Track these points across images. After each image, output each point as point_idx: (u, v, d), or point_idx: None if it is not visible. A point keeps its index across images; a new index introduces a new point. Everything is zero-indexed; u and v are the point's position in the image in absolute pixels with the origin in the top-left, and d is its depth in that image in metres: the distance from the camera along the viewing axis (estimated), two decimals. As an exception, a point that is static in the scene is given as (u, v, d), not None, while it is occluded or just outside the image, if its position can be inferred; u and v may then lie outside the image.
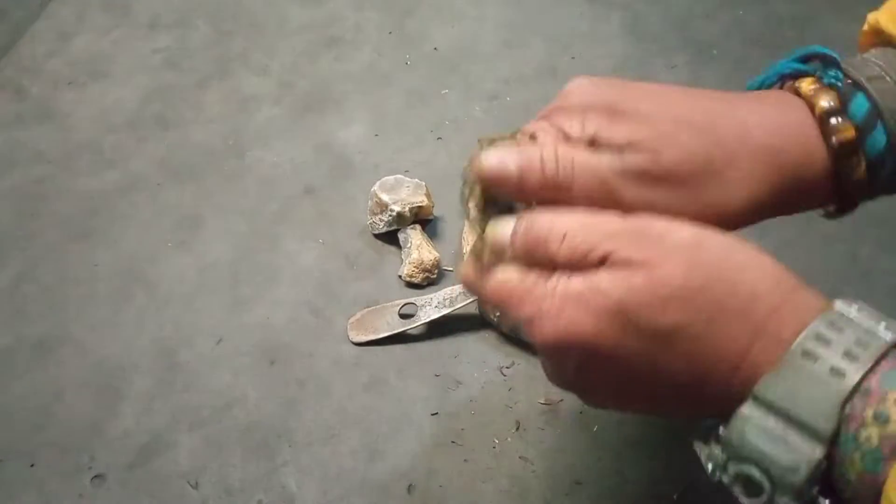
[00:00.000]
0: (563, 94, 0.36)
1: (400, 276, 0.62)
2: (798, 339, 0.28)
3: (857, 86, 0.35)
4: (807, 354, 0.28)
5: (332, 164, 0.72)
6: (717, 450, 0.29)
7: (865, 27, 0.39)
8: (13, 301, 0.62)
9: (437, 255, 0.61)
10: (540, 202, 0.34)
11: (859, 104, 0.34)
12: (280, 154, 0.73)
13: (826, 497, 0.28)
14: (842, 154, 0.34)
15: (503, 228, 0.34)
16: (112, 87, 0.81)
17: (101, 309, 0.62)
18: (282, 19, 0.88)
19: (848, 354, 0.27)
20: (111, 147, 0.75)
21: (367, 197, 0.65)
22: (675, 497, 0.50)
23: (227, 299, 0.62)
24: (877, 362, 0.27)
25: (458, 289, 0.58)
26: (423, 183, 0.65)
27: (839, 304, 0.29)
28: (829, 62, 0.36)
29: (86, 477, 0.52)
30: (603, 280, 0.30)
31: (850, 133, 0.34)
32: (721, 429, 0.29)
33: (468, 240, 0.62)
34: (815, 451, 0.27)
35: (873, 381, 0.27)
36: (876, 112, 0.34)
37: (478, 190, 0.36)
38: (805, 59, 0.37)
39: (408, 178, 0.65)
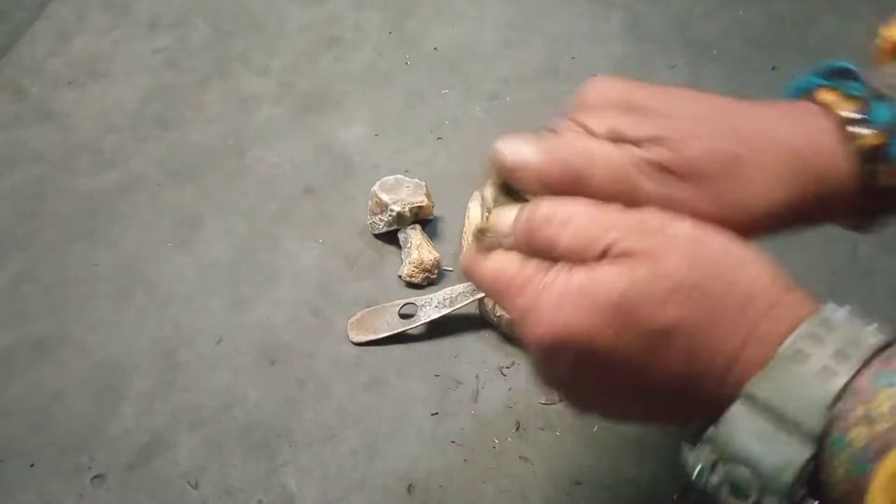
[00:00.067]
0: (581, 94, 0.36)
1: (400, 276, 0.62)
2: (790, 339, 0.28)
3: (879, 94, 0.34)
4: (797, 354, 0.28)
5: (332, 164, 0.72)
6: (706, 451, 0.29)
7: (882, 43, 0.38)
8: (13, 301, 0.62)
9: (437, 255, 0.61)
10: (556, 194, 0.33)
11: (881, 112, 0.34)
12: (280, 154, 0.73)
13: (814, 498, 0.28)
14: (865, 161, 0.34)
15: (507, 213, 0.34)
16: (112, 87, 0.81)
17: (101, 309, 0.62)
18: (282, 19, 0.88)
19: (838, 354, 0.27)
20: (111, 147, 0.75)
21: (367, 197, 0.65)
22: (675, 497, 0.50)
23: (227, 299, 0.62)
24: (866, 362, 0.27)
25: (458, 289, 0.58)
26: (423, 183, 0.65)
27: (830, 306, 0.29)
28: (849, 76, 0.36)
29: (86, 477, 0.52)
30: (606, 272, 0.30)
31: (872, 140, 0.34)
32: (710, 429, 0.29)
33: (468, 239, 0.62)
34: (804, 452, 0.27)
35: (863, 381, 0.27)
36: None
37: (495, 179, 0.36)
38: (825, 75, 0.37)
39: (408, 178, 0.65)
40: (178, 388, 0.56)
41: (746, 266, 0.30)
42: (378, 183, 0.64)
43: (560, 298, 0.30)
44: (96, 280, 0.64)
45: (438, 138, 0.74)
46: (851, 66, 0.36)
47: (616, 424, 0.52)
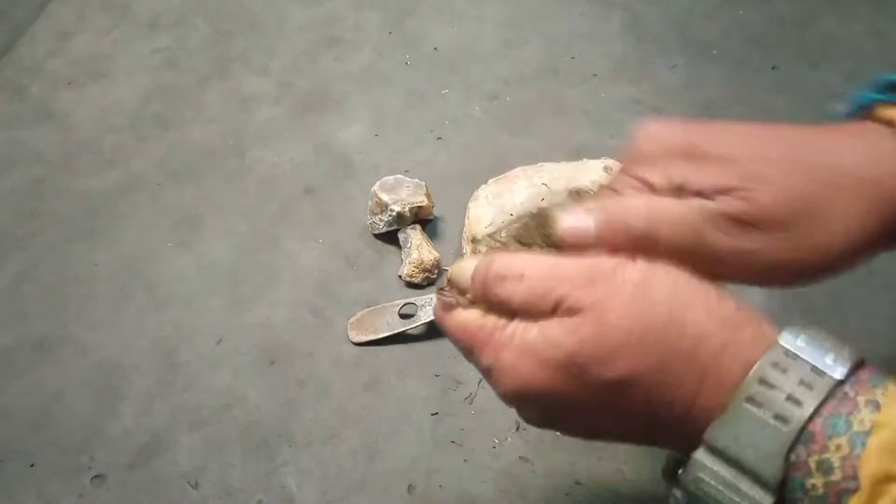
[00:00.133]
0: (635, 142, 0.35)
1: (400, 276, 0.62)
2: (742, 384, 0.28)
3: None
4: (750, 400, 0.27)
5: (332, 164, 0.72)
6: (677, 493, 0.30)
7: None
8: (13, 301, 0.62)
9: (437, 255, 0.61)
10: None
11: None
12: (280, 154, 0.73)
13: None
14: None
15: (466, 268, 0.34)
16: (112, 87, 0.81)
17: (101, 309, 0.62)
18: (282, 19, 0.88)
19: (791, 398, 0.27)
20: (111, 147, 0.75)
21: (367, 197, 0.65)
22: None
23: (227, 299, 0.62)
24: (822, 403, 0.27)
25: (458, 289, 0.58)
26: (423, 183, 0.65)
27: (785, 338, 0.28)
28: None
29: (86, 477, 0.52)
30: (554, 330, 0.30)
31: None
32: (680, 472, 0.29)
33: (468, 240, 0.62)
34: (766, 499, 0.27)
35: (818, 426, 0.27)
36: None
37: (532, 230, 0.35)
38: (881, 89, 0.35)
39: (408, 178, 0.65)
40: (178, 388, 0.56)
41: (696, 306, 0.29)
42: (378, 183, 0.64)
43: (517, 357, 0.31)
44: (96, 280, 0.64)
45: (438, 138, 0.74)
46: None
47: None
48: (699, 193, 0.32)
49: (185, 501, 0.50)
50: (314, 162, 0.72)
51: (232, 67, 0.83)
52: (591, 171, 0.61)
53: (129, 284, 0.63)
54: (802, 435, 0.27)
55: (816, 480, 0.26)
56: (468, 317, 0.33)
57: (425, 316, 0.58)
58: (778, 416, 0.27)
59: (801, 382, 0.27)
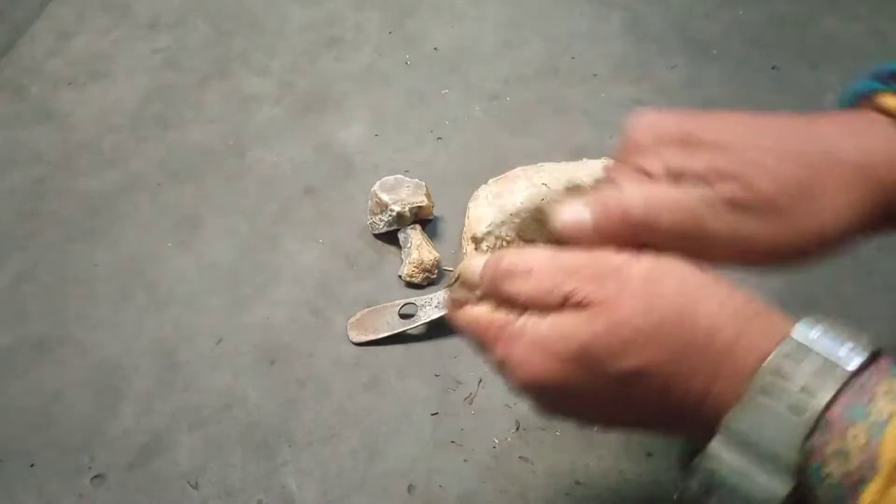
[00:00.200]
0: (629, 133, 0.35)
1: (400, 276, 0.62)
2: (757, 375, 0.28)
3: None
4: (765, 390, 0.28)
5: (332, 164, 0.72)
6: (695, 478, 0.30)
7: None
8: (13, 301, 0.62)
9: (437, 255, 0.61)
10: (626, 246, 0.33)
11: None
12: (280, 154, 0.73)
13: None
14: None
15: (475, 264, 0.34)
16: (112, 87, 0.81)
17: (101, 309, 0.62)
18: (282, 19, 0.88)
19: (806, 389, 0.27)
20: (111, 147, 0.75)
21: (367, 197, 0.65)
22: (674, 497, 0.50)
23: (227, 299, 0.62)
24: (838, 392, 0.27)
25: (458, 289, 0.58)
26: (423, 183, 0.65)
27: (800, 329, 0.29)
28: None
29: (86, 477, 0.52)
30: (566, 324, 0.30)
31: None
32: (696, 460, 0.29)
33: (468, 239, 0.62)
34: (783, 487, 0.27)
35: (835, 413, 0.27)
36: None
37: (533, 227, 0.36)
38: (881, 79, 0.36)
39: (408, 178, 0.65)
40: (178, 388, 0.56)
41: (707, 299, 0.30)
42: (378, 183, 0.64)
43: (529, 350, 0.31)
44: (96, 280, 0.64)
45: (438, 138, 0.74)
46: None
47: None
48: (696, 180, 0.32)
49: (185, 501, 0.50)
50: (314, 162, 0.72)
51: (232, 67, 0.83)
52: (592, 171, 0.61)
53: (129, 284, 0.63)
54: (819, 424, 0.27)
55: (833, 468, 0.26)
56: (479, 313, 0.34)
57: (425, 316, 0.58)
58: (792, 407, 0.27)
59: (816, 373, 0.27)
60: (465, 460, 0.52)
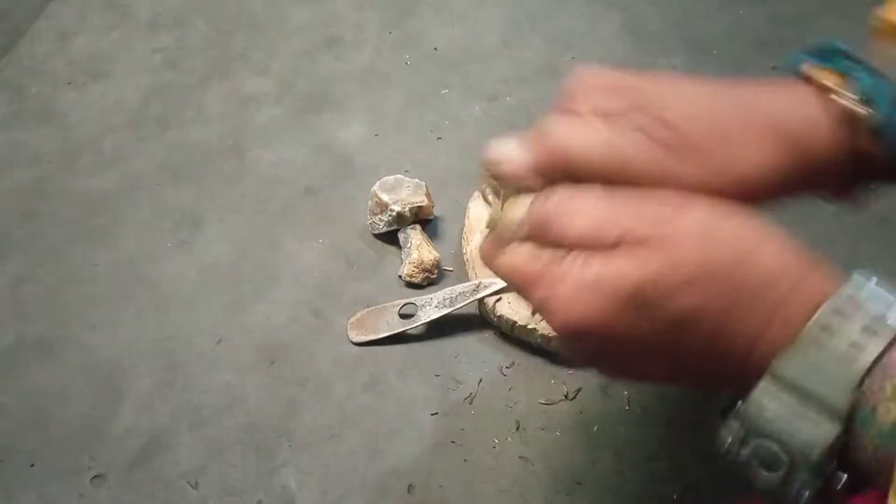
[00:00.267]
0: (566, 85, 0.37)
1: (400, 276, 0.62)
2: (817, 315, 0.28)
3: (865, 66, 0.34)
4: (825, 329, 0.28)
5: (332, 164, 0.72)
6: (735, 426, 0.29)
7: (877, 24, 0.38)
8: (13, 301, 0.62)
9: (437, 255, 0.61)
10: (553, 180, 0.34)
11: (865, 81, 0.34)
12: (280, 154, 0.73)
13: (844, 472, 0.28)
14: (850, 130, 0.34)
15: (520, 205, 0.34)
16: (112, 87, 0.81)
17: (101, 309, 0.62)
18: (282, 19, 0.88)
19: (867, 329, 0.27)
20: (111, 147, 0.75)
21: (367, 197, 0.65)
22: (675, 497, 0.50)
23: (227, 299, 0.62)
24: (895, 338, 0.27)
25: (458, 289, 0.58)
26: (423, 183, 0.65)
27: (856, 279, 0.29)
28: (838, 54, 0.36)
29: (86, 477, 0.52)
30: (621, 262, 0.30)
31: (857, 108, 0.33)
32: (739, 405, 0.29)
33: (469, 239, 0.62)
34: (832, 429, 0.27)
35: (893, 357, 0.27)
36: (886, 85, 0.34)
37: (491, 177, 0.36)
38: (813, 53, 0.37)
39: (408, 178, 0.65)
40: (178, 388, 0.56)
41: (763, 247, 0.30)
42: (378, 183, 0.64)
43: (575, 290, 0.30)
44: (96, 280, 0.64)
45: (438, 138, 0.74)
46: (840, 45, 0.36)
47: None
48: (615, 114, 0.33)
49: (185, 501, 0.50)
50: (314, 162, 0.72)
51: (232, 67, 0.83)
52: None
53: (129, 284, 0.63)
54: (877, 364, 0.27)
55: (887, 409, 0.26)
56: (521, 252, 0.33)
57: (425, 316, 0.58)
58: (851, 346, 0.27)
59: (876, 316, 0.27)
60: (465, 460, 0.52)
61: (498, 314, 0.57)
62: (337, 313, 0.60)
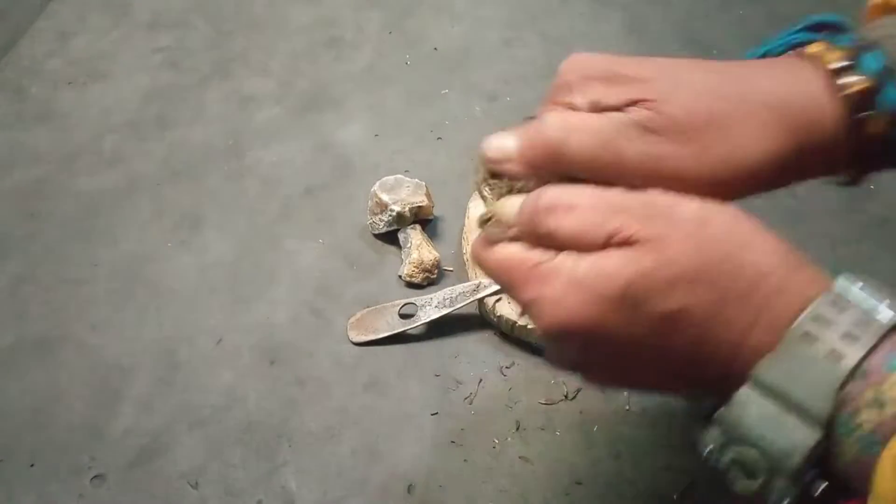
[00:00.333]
0: (559, 74, 0.36)
1: (400, 276, 0.62)
2: (797, 321, 0.28)
3: (869, 44, 0.34)
4: (805, 336, 0.27)
5: (332, 164, 0.72)
6: (716, 431, 0.29)
7: (872, 2, 0.38)
8: (13, 301, 0.62)
9: (437, 255, 0.61)
10: (546, 173, 0.34)
11: (871, 60, 0.33)
12: (280, 154, 0.73)
13: (823, 480, 0.28)
14: (853, 109, 0.33)
15: (512, 203, 0.34)
16: (112, 87, 0.81)
17: (101, 309, 0.62)
18: (282, 19, 0.88)
19: (847, 336, 0.27)
20: (111, 147, 0.75)
21: (367, 197, 0.65)
22: (675, 497, 0.50)
23: (227, 299, 0.62)
24: (877, 343, 0.27)
25: (458, 289, 0.58)
26: (423, 183, 0.65)
27: (841, 282, 0.29)
28: (836, 29, 0.35)
29: (86, 477, 0.52)
30: (611, 261, 0.30)
31: (860, 87, 0.33)
32: (720, 410, 0.29)
33: (468, 239, 0.62)
34: (812, 435, 0.27)
35: (873, 363, 0.27)
36: (891, 66, 0.33)
37: (486, 174, 0.36)
38: (810, 29, 0.37)
39: (408, 178, 0.65)
40: (178, 388, 0.56)
41: (753, 246, 0.30)
42: (378, 183, 0.64)
43: (564, 289, 0.30)
44: (96, 280, 0.64)
45: (438, 138, 0.74)
46: (838, 20, 0.36)
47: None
48: (614, 109, 0.33)
49: (185, 501, 0.50)
50: (314, 162, 0.72)
51: (232, 67, 0.83)
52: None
53: (129, 284, 0.63)
54: (855, 373, 0.27)
55: (867, 416, 0.26)
56: (511, 250, 0.33)
57: (425, 316, 0.58)
58: (829, 356, 0.27)
59: (858, 322, 0.27)
60: (465, 460, 0.52)
61: (498, 314, 0.57)
62: (337, 313, 0.60)
